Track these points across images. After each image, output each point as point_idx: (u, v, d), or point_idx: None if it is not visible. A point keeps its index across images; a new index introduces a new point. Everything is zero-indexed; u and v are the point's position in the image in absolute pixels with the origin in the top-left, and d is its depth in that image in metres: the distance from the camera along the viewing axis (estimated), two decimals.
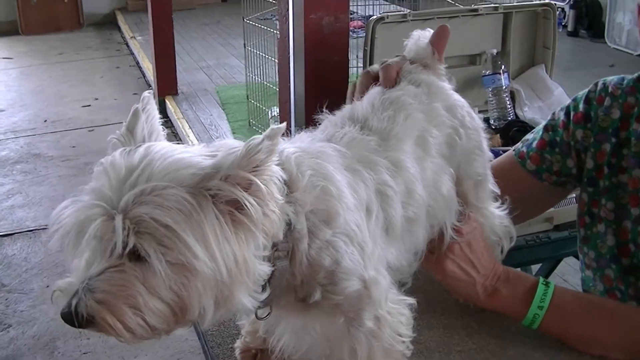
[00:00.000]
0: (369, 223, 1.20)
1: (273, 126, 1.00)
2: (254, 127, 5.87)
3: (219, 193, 0.99)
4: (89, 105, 6.89)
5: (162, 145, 1.07)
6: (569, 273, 3.71)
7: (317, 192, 1.12)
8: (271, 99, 5.69)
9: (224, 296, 1.02)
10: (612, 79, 1.67)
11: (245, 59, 5.89)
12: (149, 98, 1.15)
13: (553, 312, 1.43)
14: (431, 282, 1.57)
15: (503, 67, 2.81)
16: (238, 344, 1.43)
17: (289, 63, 2.60)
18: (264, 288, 1.09)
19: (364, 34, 2.55)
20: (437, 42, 1.51)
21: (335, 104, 2.61)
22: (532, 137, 1.77)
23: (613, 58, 8.30)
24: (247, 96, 5.94)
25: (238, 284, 1.03)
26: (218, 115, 6.35)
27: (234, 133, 5.92)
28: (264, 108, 5.82)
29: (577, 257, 2.67)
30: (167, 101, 6.52)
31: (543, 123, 1.78)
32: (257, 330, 1.38)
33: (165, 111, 6.49)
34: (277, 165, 1.05)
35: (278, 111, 5.55)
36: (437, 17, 2.63)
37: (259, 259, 1.05)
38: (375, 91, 1.41)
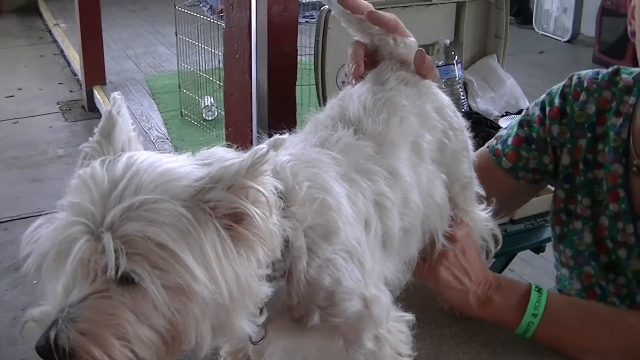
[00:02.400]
0: (367, 237, 1.12)
1: (277, 136, 0.91)
2: (186, 117, 5.76)
3: (219, 205, 0.89)
4: (12, 96, 6.61)
5: (146, 154, 0.95)
6: (515, 262, 3.70)
7: (316, 205, 1.04)
8: (203, 87, 5.59)
9: (222, 321, 0.92)
10: (586, 73, 1.64)
11: (177, 47, 5.73)
12: (121, 100, 1.03)
13: (547, 320, 1.38)
14: (413, 290, 1.50)
15: (456, 57, 2.76)
16: None
17: (250, 54, 2.48)
18: (261, 310, 1.00)
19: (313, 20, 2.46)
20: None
21: (284, 97, 2.54)
22: (507, 133, 1.73)
23: (542, 44, 8.44)
24: (179, 86, 5.80)
25: (239, 308, 0.93)
26: (149, 105, 6.19)
27: (165, 124, 5.79)
28: (196, 97, 5.70)
29: (534, 250, 2.68)
30: (95, 91, 6.30)
31: (517, 118, 1.74)
32: (239, 350, 1.28)
33: (93, 102, 6.29)
34: (271, 175, 0.95)
35: (212, 101, 5.50)
36: (392, 7, 2.55)
37: (260, 279, 0.96)
38: (365, 89, 1.32)
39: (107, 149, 0.99)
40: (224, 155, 0.95)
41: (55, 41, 8.51)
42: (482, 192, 1.48)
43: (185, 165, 0.94)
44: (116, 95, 1.03)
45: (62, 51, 8.04)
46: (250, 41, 2.54)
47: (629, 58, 6.61)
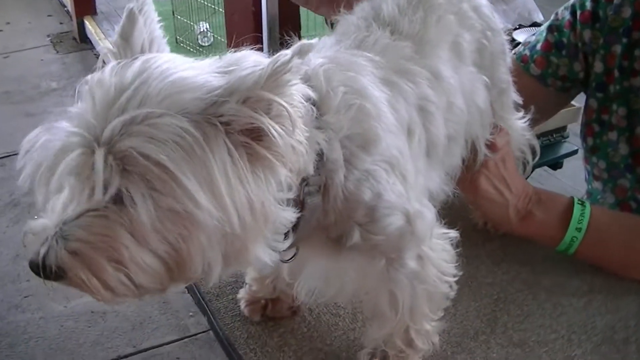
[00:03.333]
0: (410, 147, 1.02)
1: (304, 41, 0.79)
2: (181, 44, 5.59)
3: (234, 120, 0.78)
4: (1, 31, 6.44)
5: (164, 59, 0.84)
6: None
7: (353, 112, 0.93)
8: (197, 13, 5.43)
9: (235, 250, 0.83)
10: None
11: None
12: None
13: (591, 235, 1.30)
14: (444, 206, 1.42)
15: None
16: (242, 294, 1.25)
17: None
18: (286, 235, 0.90)
19: None
20: None
21: (291, 16, 2.43)
22: (535, 39, 1.63)
23: None
24: (173, 12, 5.64)
25: (253, 236, 0.83)
26: None
27: None
28: (191, 23, 5.54)
29: (551, 167, 2.60)
30: (86, 22, 6.11)
31: (546, 23, 1.63)
32: (265, 277, 1.20)
33: (84, 33, 6.13)
34: (302, 81, 0.84)
35: (207, 26, 5.36)
36: None
37: (282, 203, 0.86)
38: None
39: (126, 52, 0.89)
40: (246, 62, 0.83)
41: None
42: (519, 100, 1.39)
43: (203, 74, 0.83)
44: None
45: None
46: None
47: None
